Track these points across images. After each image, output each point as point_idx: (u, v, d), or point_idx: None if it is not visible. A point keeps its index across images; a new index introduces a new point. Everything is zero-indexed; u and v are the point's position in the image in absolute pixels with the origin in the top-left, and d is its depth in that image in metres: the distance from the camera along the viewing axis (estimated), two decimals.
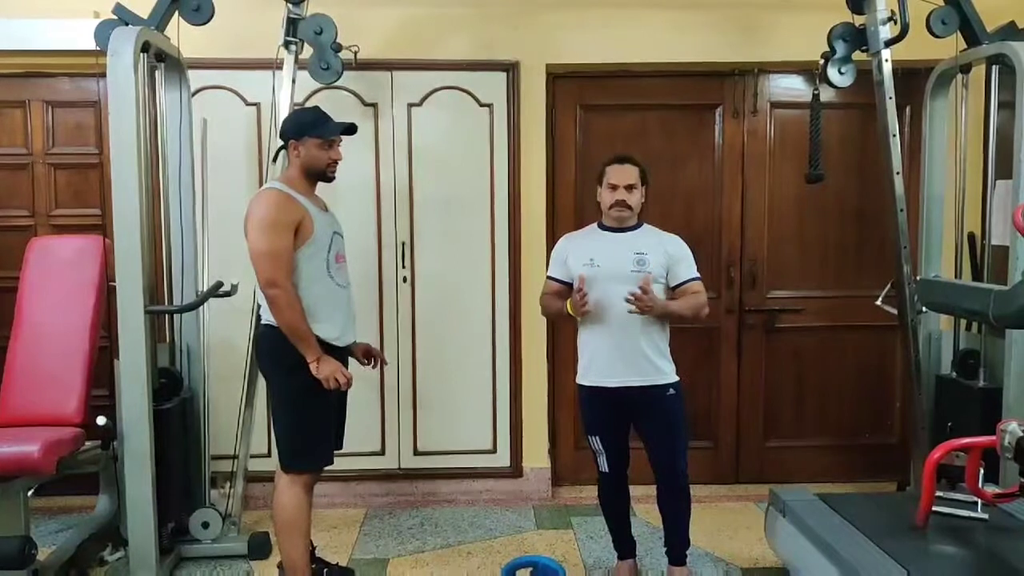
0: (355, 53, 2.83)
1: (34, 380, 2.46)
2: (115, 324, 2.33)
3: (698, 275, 2.32)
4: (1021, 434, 1.70)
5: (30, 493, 2.33)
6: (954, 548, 2.01)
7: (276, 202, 2.12)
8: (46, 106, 3.09)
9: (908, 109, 3.10)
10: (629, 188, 2.27)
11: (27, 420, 2.40)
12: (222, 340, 2.85)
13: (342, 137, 2.26)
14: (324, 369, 2.11)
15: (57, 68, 3.03)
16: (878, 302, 2.74)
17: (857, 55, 2.68)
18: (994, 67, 2.63)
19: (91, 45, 2.38)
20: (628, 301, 2.15)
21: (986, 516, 2.09)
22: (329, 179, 2.26)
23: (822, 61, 2.69)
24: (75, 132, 3.10)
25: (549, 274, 2.40)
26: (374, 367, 2.44)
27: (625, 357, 2.24)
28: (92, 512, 2.72)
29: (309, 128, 2.20)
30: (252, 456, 2.80)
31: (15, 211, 3.11)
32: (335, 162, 2.24)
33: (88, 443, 2.44)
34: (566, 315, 2.30)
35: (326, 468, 2.26)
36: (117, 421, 2.38)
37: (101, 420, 2.37)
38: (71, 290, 2.56)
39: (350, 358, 2.33)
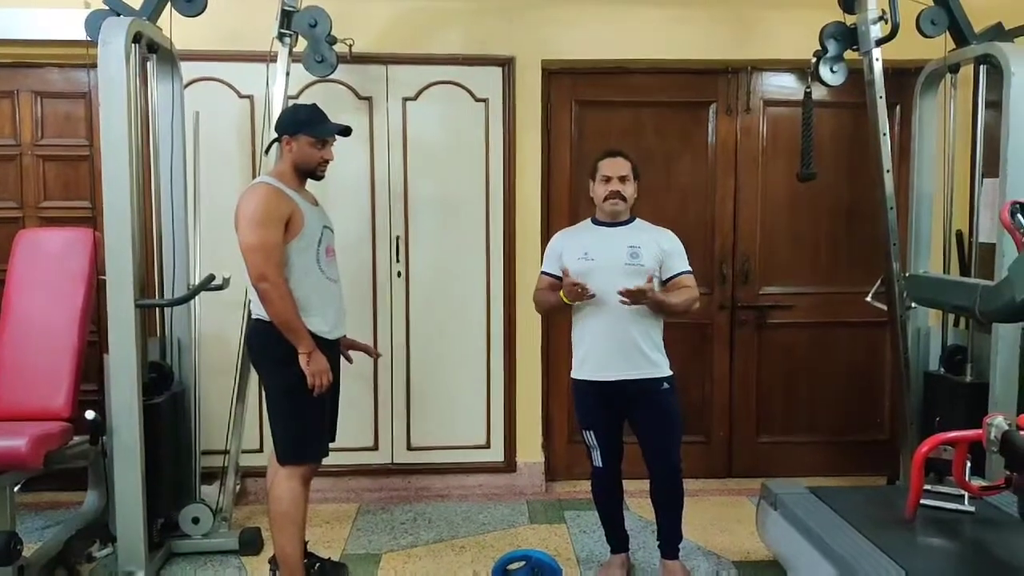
0: (350, 46, 2.82)
1: (22, 374, 2.42)
2: (105, 318, 2.31)
3: (690, 269, 2.34)
4: (1007, 428, 1.73)
5: (16, 488, 2.31)
6: (942, 540, 2.04)
7: (266, 196, 2.11)
8: (35, 97, 3.05)
9: (898, 108, 3.14)
10: (622, 179, 2.29)
11: (14, 414, 2.36)
12: (213, 334, 2.83)
13: (336, 137, 2.25)
14: (315, 364, 2.11)
15: (47, 58, 2.99)
16: (868, 298, 2.77)
17: (848, 54, 2.70)
18: (982, 67, 2.67)
19: (82, 35, 2.36)
20: (623, 299, 2.15)
21: (973, 509, 2.13)
22: (318, 178, 2.26)
23: (814, 59, 2.71)
24: (65, 123, 3.07)
25: (544, 269, 2.41)
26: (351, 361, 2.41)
27: (620, 350, 2.25)
28: (80, 508, 2.68)
29: (304, 126, 2.19)
30: (244, 451, 2.78)
31: (3, 203, 3.07)
32: (326, 162, 2.23)
33: (76, 438, 2.41)
34: (561, 305, 2.30)
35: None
36: (106, 415, 2.35)
37: (90, 414, 2.34)
38: (60, 283, 2.52)
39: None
